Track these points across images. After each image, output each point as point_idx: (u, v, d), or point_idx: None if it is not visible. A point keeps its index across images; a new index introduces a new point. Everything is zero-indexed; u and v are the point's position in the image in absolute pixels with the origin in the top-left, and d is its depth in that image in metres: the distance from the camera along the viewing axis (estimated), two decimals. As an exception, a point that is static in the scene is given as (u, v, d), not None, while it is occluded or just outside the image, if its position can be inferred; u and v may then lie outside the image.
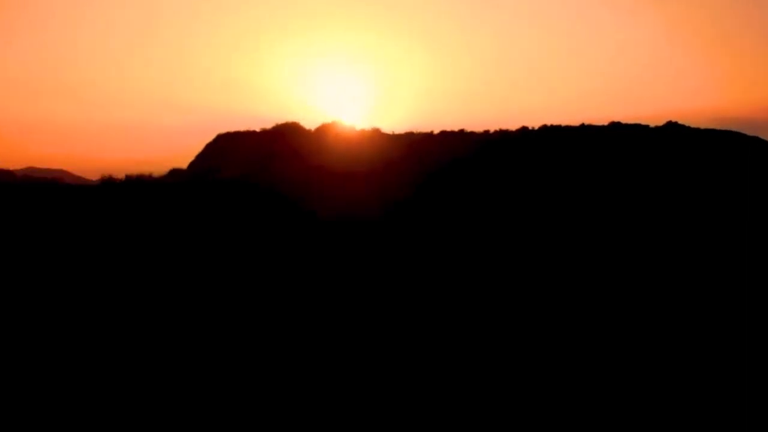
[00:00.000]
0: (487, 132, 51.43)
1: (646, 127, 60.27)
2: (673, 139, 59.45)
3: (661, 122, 60.75)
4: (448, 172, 47.79)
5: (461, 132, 49.82)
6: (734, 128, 59.42)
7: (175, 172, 44.52)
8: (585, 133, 57.99)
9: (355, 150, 43.87)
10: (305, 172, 40.29)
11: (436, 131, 51.85)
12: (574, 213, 45.77)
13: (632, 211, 46.88)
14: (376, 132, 48.82)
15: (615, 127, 59.61)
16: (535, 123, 53.31)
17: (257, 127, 53.69)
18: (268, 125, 52.13)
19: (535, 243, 37.78)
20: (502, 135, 51.66)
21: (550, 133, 55.99)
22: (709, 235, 38.98)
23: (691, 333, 18.49)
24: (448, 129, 49.56)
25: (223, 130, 55.57)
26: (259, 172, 45.62)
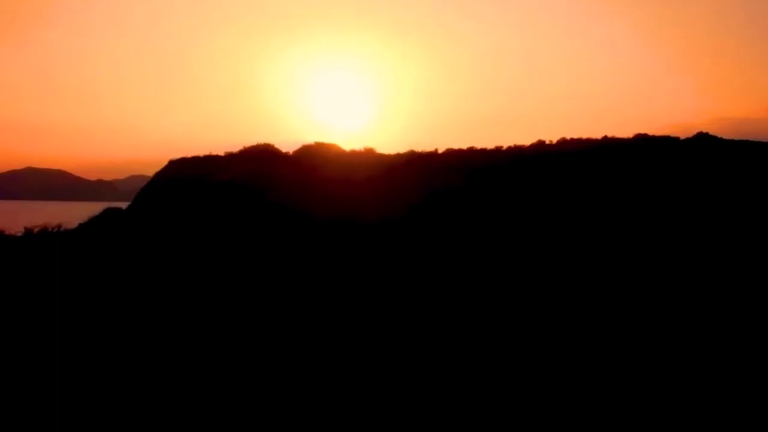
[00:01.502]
0: (499, 148, 45.18)
1: (676, 139, 54.40)
2: (706, 151, 53.73)
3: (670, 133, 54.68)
4: (455, 194, 42.08)
5: (470, 150, 43.44)
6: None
7: (110, 213, 37.91)
8: (608, 146, 52.22)
9: (344, 177, 37.46)
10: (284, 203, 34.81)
11: (441, 149, 45.73)
12: (600, 235, 41.43)
13: (665, 231, 42.79)
14: (370, 153, 42.08)
15: (641, 139, 53.72)
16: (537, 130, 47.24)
17: (221, 150, 46.76)
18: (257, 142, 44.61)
19: (556, 266, 34.58)
20: (516, 152, 45.45)
21: (570, 147, 50.02)
22: (754, 255, 36.52)
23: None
24: (455, 147, 43.16)
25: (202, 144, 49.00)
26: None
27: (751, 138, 55.26)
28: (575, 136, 51.65)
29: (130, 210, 40.96)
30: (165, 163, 49.99)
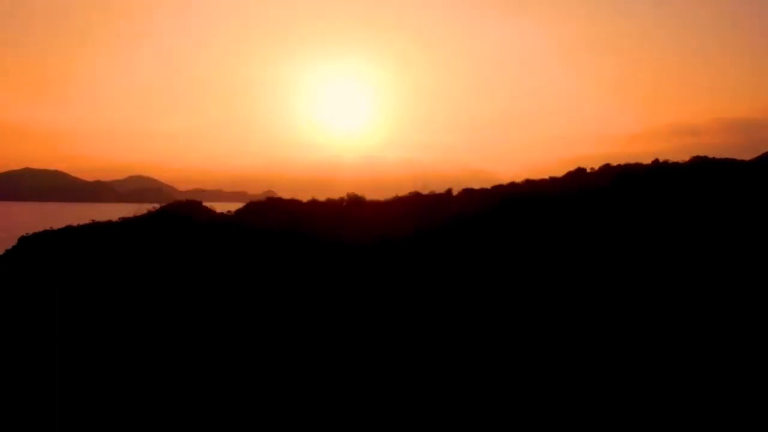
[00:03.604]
0: (530, 182, 35.14)
1: (741, 162, 44.62)
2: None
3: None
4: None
5: (497, 188, 32.92)
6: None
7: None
8: (661, 173, 42.51)
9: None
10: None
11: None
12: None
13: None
14: (357, 204, 29.48)
15: (700, 163, 43.97)
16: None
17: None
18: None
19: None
20: (553, 187, 35.48)
21: (618, 175, 40.29)
22: None
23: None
24: (473, 185, 32.52)
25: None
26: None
27: (749, 138, 46.03)
28: (621, 162, 41.90)
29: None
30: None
